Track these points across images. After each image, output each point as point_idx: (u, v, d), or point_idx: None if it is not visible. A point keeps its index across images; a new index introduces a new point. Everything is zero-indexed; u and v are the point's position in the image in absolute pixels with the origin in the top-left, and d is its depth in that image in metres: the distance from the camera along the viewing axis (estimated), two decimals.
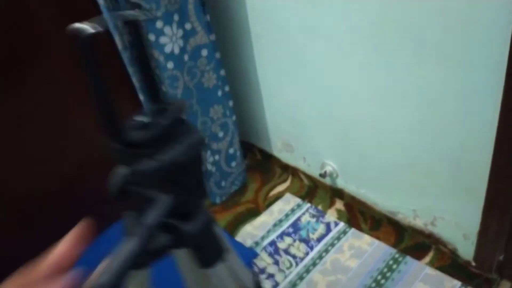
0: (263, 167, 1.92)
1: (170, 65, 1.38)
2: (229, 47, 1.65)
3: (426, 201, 1.32)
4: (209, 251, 0.45)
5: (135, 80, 1.46)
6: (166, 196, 0.41)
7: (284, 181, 1.82)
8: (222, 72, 1.56)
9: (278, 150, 1.82)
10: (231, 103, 1.65)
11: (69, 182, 1.55)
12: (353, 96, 1.30)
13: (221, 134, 1.65)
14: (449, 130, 1.10)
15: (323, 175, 1.58)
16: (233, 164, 1.75)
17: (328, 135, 1.51)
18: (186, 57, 1.41)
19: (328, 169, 1.58)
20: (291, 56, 1.42)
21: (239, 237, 1.58)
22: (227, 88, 1.61)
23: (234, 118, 1.68)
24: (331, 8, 1.17)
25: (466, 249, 1.28)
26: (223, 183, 1.75)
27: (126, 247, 0.36)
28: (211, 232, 0.46)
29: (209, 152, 1.64)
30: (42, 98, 1.39)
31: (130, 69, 1.43)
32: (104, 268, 0.34)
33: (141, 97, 1.48)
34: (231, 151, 1.72)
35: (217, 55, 1.51)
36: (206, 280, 0.47)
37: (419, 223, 1.39)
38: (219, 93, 1.56)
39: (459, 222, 1.26)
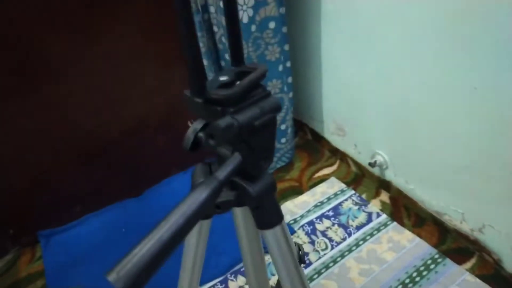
0: (312, 147, 1.92)
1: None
2: (297, 22, 1.64)
3: (477, 206, 1.27)
4: (268, 214, 0.47)
5: (201, 45, 1.49)
6: (238, 155, 0.43)
7: (332, 164, 1.81)
8: (286, 47, 1.55)
9: (330, 133, 1.81)
10: (290, 79, 1.65)
11: (129, 133, 1.63)
12: (417, 87, 1.26)
13: None
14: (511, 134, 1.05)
15: (372, 165, 1.56)
16: (283, 140, 1.77)
17: (384, 124, 1.48)
18: (253, 28, 1.42)
19: (379, 159, 1.55)
20: (359, 38, 1.39)
21: None
22: (288, 64, 1.60)
23: (291, 95, 1.68)
24: None
25: None
26: None
27: (198, 197, 0.38)
28: (272, 196, 0.47)
29: None
30: (113, 55, 1.46)
31: (198, 33, 1.46)
32: (178, 213, 0.36)
33: (205, 62, 1.51)
34: (283, 127, 1.73)
35: (284, 29, 1.51)
36: (259, 241, 0.49)
37: (465, 227, 1.35)
38: (280, 67, 1.56)
39: (509, 233, 1.21)
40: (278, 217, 0.48)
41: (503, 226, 1.22)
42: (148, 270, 0.32)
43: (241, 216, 0.50)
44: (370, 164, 1.57)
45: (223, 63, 1.58)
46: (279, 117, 1.69)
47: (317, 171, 1.79)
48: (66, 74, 1.41)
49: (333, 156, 1.85)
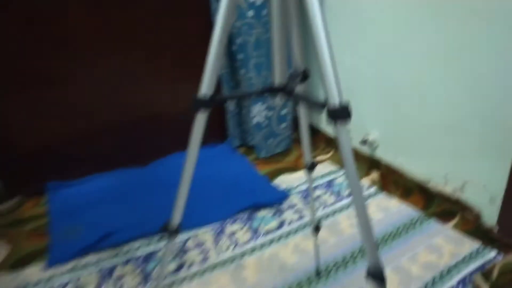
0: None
1: (250, 13, 1.63)
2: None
3: (457, 164, 1.40)
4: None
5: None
6: None
7: (327, 153, 1.95)
8: None
9: (326, 124, 1.97)
10: None
11: (150, 113, 1.80)
12: (402, 58, 1.46)
13: None
14: (487, 90, 1.22)
15: (364, 142, 1.71)
16: (283, 125, 1.92)
17: (376, 106, 1.65)
18: (265, 12, 1.66)
19: (371, 137, 1.70)
20: (356, 26, 1.62)
21: (275, 183, 1.71)
22: None
23: None
24: None
25: (491, 215, 1.33)
26: (269, 140, 1.92)
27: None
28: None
29: (265, 105, 1.83)
30: (147, 46, 1.68)
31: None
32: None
33: None
34: (283, 112, 1.90)
35: None
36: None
37: (448, 190, 1.46)
38: None
39: (486, 185, 1.32)
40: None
41: (481, 179, 1.34)
42: None
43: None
44: (361, 142, 1.71)
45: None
46: (280, 102, 1.87)
47: (313, 158, 1.92)
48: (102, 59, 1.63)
49: (328, 146, 1.99)
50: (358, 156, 1.82)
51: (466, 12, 1.21)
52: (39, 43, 1.52)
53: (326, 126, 1.99)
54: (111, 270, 1.26)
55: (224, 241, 1.38)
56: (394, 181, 1.66)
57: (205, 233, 1.42)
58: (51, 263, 1.27)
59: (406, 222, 1.43)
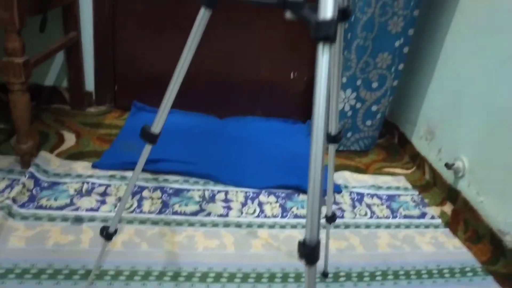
0: (394, 150, 1.87)
1: None
2: (432, 6, 1.68)
3: None
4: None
5: None
6: None
7: (407, 169, 1.74)
8: (410, 32, 1.60)
9: (419, 137, 1.75)
10: (401, 66, 1.67)
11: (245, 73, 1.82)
12: None
13: (375, 85, 1.68)
14: None
15: (449, 166, 1.47)
16: (368, 123, 1.76)
17: (476, 128, 1.40)
18: None
19: (458, 164, 1.45)
20: (489, 32, 1.37)
21: (334, 176, 1.59)
22: (405, 49, 1.63)
23: (395, 83, 1.69)
24: None
25: None
26: (348, 134, 1.78)
27: None
28: None
29: (355, 94, 1.69)
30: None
31: None
32: None
33: None
34: (374, 108, 1.73)
35: (416, 12, 1.56)
36: None
37: None
38: (396, 43, 1.60)
39: None
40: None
41: None
42: None
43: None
44: (446, 165, 1.48)
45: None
46: (375, 95, 1.71)
47: (390, 167, 1.73)
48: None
49: (411, 162, 1.77)
50: (438, 179, 1.58)
51: None
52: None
53: (418, 140, 1.76)
54: (140, 190, 1.32)
55: (250, 207, 1.33)
56: (465, 221, 1.40)
57: (238, 193, 1.39)
58: (96, 165, 1.39)
59: (456, 267, 1.20)
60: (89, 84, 1.80)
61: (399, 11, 1.54)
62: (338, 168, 1.65)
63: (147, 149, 0.79)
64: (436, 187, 1.60)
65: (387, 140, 1.96)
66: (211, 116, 1.90)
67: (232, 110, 1.92)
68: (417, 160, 1.73)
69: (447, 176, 1.53)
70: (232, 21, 1.74)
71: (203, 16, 0.67)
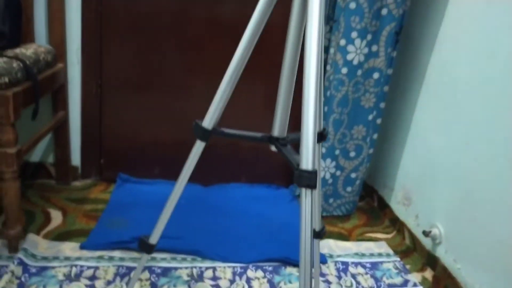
0: (374, 213, 1.94)
1: (344, 70, 1.62)
2: (400, 83, 1.82)
3: None
4: None
5: None
6: None
7: (387, 233, 1.80)
8: (382, 105, 1.72)
9: (396, 202, 1.83)
10: (375, 136, 1.78)
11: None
12: (492, 160, 1.29)
13: (352, 154, 1.78)
14: None
15: (426, 234, 1.54)
16: (349, 189, 1.84)
17: (449, 197, 1.48)
18: (359, 72, 1.63)
19: (434, 231, 1.53)
20: (450, 109, 1.50)
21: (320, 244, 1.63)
22: (379, 120, 1.75)
23: (371, 151, 1.80)
24: (504, 66, 1.25)
25: None
26: (330, 200, 1.85)
27: None
28: None
29: (334, 163, 1.78)
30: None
31: None
32: None
33: None
34: (353, 175, 1.82)
35: (386, 88, 1.69)
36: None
37: None
38: (370, 117, 1.71)
39: None
40: None
41: None
42: None
43: None
44: (424, 232, 1.55)
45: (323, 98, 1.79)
46: (354, 164, 1.80)
47: (371, 232, 1.79)
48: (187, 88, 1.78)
49: (391, 226, 1.84)
50: (417, 244, 1.64)
51: None
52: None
53: (396, 205, 1.84)
54: (128, 271, 1.33)
55: (238, 284, 1.36)
56: (446, 287, 1.46)
57: (226, 269, 1.41)
58: (84, 246, 1.40)
59: None
60: (75, 158, 1.83)
61: (370, 88, 1.67)
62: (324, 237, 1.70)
63: (144, 258, 0.82)
64: (416, 252, 1.66)
65: (367, 203, 2.03)
66: (195, 184, 1.94)
67: (216, 176, 1.97)
68: (397, 224, 1.80)
69: (426, 242, 1.60)
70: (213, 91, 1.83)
71: (198, 147, 0.73)
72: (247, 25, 0.65)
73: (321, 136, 0.72)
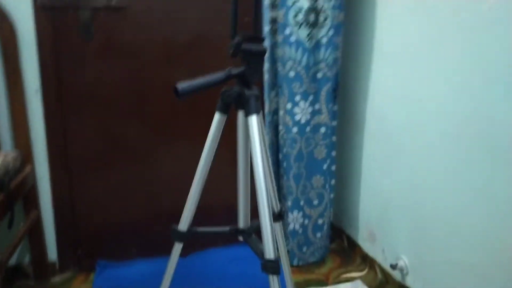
0: (346, 254, 2.06)
1: (294, 129, 1.79)
2: (345, 132, 2.01)
3: None
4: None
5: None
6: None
7: (361, 270, 1.92)
8: (333, 153, 1.90)
9: (363, 239, 1.97)
10: (333, 182, 1.94)
11: None
12: (438, 193, 1.47)
13: (315, 202, 1.92)
14: None
15: (394, 267, 1.67)
16: (318, 235, 1.96)
17: (407, 230, 1.64)
18: (308, 128, 1.81)
19: (400, 263, 1.66)
20: (393, 151, 1.69)
21: None
22: (333, 167, 1.92)
23: (332, 195, 1.95)
24: (436, 115, 1.45)
25: None
26: (304, 249, 1.96)
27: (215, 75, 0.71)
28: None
29: (301, 213, 1.91)
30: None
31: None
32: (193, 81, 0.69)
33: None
34: (320, 221, 1.95)
35: (334, 138, 1.88)
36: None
37: None
38: (324, 166, 1.88)
39: None
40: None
41: None
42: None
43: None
44: (391, 265, 1.68)
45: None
46: (319, 210, 1.93)
47: (346, 273, 1.91)
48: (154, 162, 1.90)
49: (363, 263, 1.96)
50: (389, 279, 1.77)
51: None
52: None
53: (363, 242, 1.98)
54: None
55: None
56: None
57: None
58: None
59: None
60: (52, 253, 1.85)
61: (320, 141, 1.85)
62: (302, 285, 1.80)
63: None
64: (389, 284, 1.78)
65: (338, 244, 2.16)
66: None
67: (191, 245, 2.04)
68: (367, 260, 1.93)
69: (395, 274, 1.73)
70: (179, 159, 1.94)
71: (177, 249, 0.84)
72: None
73: (279, 217, 0.85)
